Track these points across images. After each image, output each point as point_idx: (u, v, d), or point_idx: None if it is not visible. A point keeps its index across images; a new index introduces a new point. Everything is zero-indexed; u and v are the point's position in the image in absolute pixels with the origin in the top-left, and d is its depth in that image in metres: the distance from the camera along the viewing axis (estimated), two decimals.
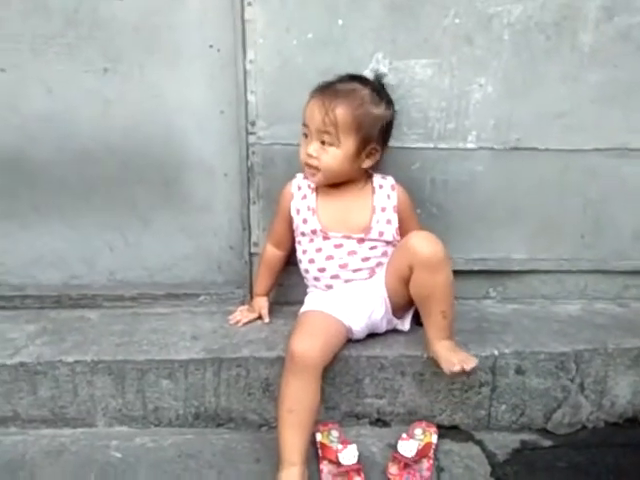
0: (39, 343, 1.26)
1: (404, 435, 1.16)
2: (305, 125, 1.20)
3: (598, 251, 1.43)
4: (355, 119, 1.16)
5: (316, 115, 1.16)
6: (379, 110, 1.19)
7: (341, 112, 1.15)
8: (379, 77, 1.25)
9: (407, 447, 1.11)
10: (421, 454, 1.13)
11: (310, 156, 1.19)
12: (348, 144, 1.18)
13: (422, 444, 1.15)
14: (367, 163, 1.23)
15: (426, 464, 1.12)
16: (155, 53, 1.32)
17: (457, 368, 1.09)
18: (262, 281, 1.36)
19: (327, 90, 1.18)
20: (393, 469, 1.11)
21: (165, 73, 1.33)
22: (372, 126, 1.18)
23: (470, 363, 1.09)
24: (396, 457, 1.12)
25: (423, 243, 1.12)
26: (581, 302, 1.45)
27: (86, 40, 1.30)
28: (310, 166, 1.21)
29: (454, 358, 1.11)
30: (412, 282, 1.15)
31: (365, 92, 1.18)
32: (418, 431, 1.20)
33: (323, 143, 1.18)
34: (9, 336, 1.29)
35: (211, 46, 1.32)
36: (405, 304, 1.23)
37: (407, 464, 1.10)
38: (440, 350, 1.14)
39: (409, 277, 1.15)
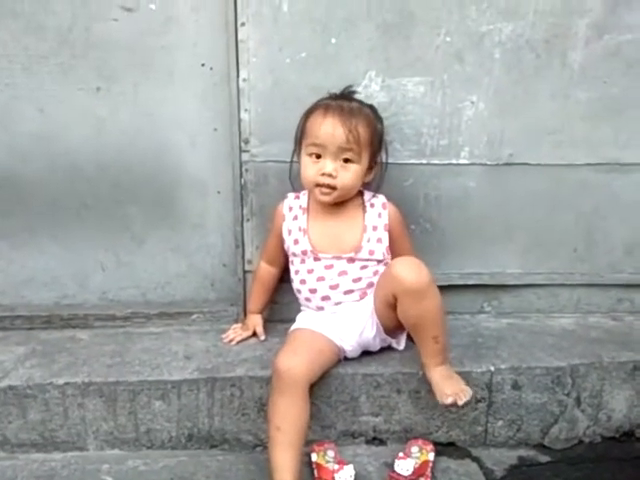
0: (28, 365, 1.24)
1: (401, 454, 1.15)
2: (317, 145, 1.17)
3: (591, 265, 1.43)
4: (370, 135, 1.18)
5: (338, 133, 1.15)
6: (380, 126, 1.22)
7: (362, 129, 1.16)
8: (352, 93, 1.25)
9: (404, 466, 1.10)
10: (418, 473, 1.12)
11: (329, 176, 1.18)
12: (364, 159, 1.19)
13: (419, 462, 1.14)
14: (369, 177, 1.24)
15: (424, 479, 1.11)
16: (148, 72, 1.32)
17: (450, 400, 1.08)
18: (256, 298, 1.35)
19: (338, 109, 1.17)
20: None
21: (158, 91, 1.33)
22: (378, 141, 1.22)
23: (463, 397, 1.08)
24: (392, 476, 1.10)
25: (406, 271, 1.09)
26: (575, 316, 1.46)
27: (80, 59, 1.30)
28: (326, 186, 1.19)
29: (448, 389, 1.10)
30: (399, 310, 1.13)
31: (367, 110, 1.21)
32: (415, 449, 1.19)
33: (345, 161, 1.18)
34: None
35: (204, 65, 1.32)
36: (397, 326, 1.22)
37: None
38: (434, 377, 1.13)
39: (395, 304, 1.14)
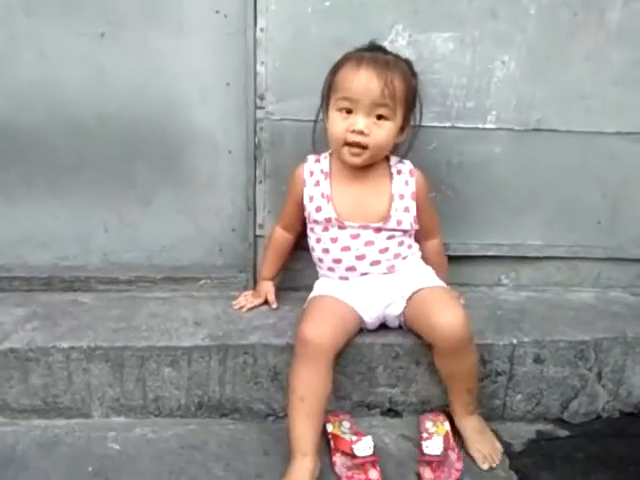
0: (30, 328, 1.18)
1: (424, 434, 1.10)
2: (348, 99, 1.08)
3: (614, 238, 1.39)
4: (406, 91, 1.10)
5: (373, 87, 1.06)
6: (414, 82, 1.14)
7: (398, 83, 1.08)
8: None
9: (433, 445, 1.05)
10: (445, 447, 1.07)
11: (361, 133, 1.09)
12: (399, 116, 1.11)
13: (442, 437, 1.10)
14: (400, 138, 1.16)
15: (454, 455, 1.07)
16: (157, 18, 1.23)
17: (485, 466, 1.08)
18: (269, 265, 1.29)
19: (373, 60, 1.08)
20: (427, 474, 1.04)
21: (167, 40, 1.24)
22: (412, 98, 1.14)
23: (497, 459, 1.09)
24: (424, 460, 1.05)
25: (451, 327, 1.04)
26: (595, 290, 1.42)
27: (83, 1, 1.19)
28: (356, 145, 1.10)
29: (484, 449, 1.10)
30: (436, 358, 1.12)
31: (403, 64, 1.12)
32: (429, 424, 1.15)
33: (378, 118, 1.09)
34: None
35: (217, 12, 1.23)
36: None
37: (439, 463, 1.04)
38: (467, 429, 1.12)
39: (429, 344, 1.11)
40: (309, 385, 1.02)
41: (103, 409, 1.16)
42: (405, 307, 1.15)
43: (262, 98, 1.24)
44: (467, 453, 1.10)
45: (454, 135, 1.29)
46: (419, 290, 1.14)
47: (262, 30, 1.20)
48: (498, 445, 1.12)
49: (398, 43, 1.21)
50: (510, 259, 1.40)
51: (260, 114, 1.25)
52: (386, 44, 1.20)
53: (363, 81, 1.07)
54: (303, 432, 1.01)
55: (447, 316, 1.06)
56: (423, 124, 1.25)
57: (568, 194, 1.36)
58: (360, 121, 1.09)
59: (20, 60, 1.23)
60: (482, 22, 1.21)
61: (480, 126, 1.28)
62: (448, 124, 1.28)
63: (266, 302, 1.29)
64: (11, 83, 1.24)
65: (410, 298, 1.14)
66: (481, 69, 1.24)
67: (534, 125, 1.29)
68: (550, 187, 1.35)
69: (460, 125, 1.28)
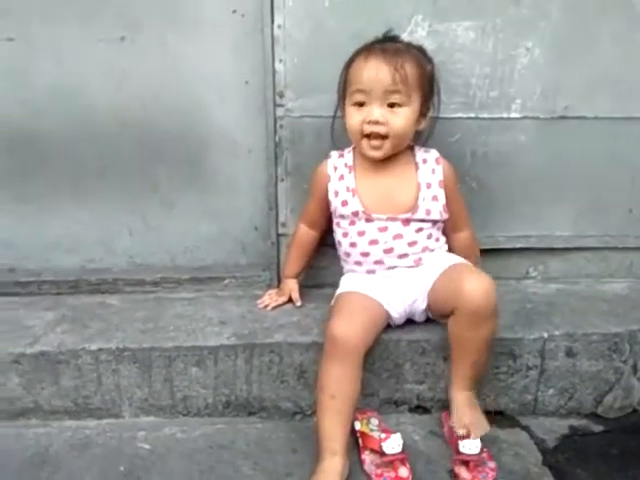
0: (59, 331, 1.19)
1: (461, 432, 1.06)
2: (361, 91, 1.08)
3: None
4: (419, 75, 1.09)
5: (383, 75, 1.06)
6: (430, 67, 1.13)
7: (409, 68, 1.07)
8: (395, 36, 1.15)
9: (472, 444, 1.02)
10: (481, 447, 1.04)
11: (377, 123, 1.08)
12: (415, 102, 1.09)
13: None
14: (422, 124, 1.14)
15: (485, 454, 1.05)
16: (175, 20, 1.23)
17: (461, 432, 1.04)
18: (293, 263, 1.29)
19: (381, 50, 1.08)
20: (464, 473, 1.02)
21: (185, 42, 1.25)
22: (428, 83, 1.12)
23: (478, 431, 1.04)
24: (461, 460, 1.02)
25: (479, 292, 1.01)
26: (627, 281, 1.39)
27: (101, 5, 1.21)
28: (376, 136, 1.09)
29: (466, 417, 1.06)
30: (453, 324, 1.07)
31: (415, 50, 1.11)
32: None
33: (391, 106, 1.08)
34: (27, 324, 1.22)
35: (235, 11, 1.23)
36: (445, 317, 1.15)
37: (476, 462, 1.02)
38: (458, 402, 1.09)
39: (449, 313, 1.07)
40: (339, 383, 1.01)
41: (132, 409, 1.17)
42: (430, 288, 1.13)
43: (281, 96, 1.24)
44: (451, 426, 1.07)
45: (478, 125, 1.26)
46: (444, 270, 1.12)
47: (280, 27, 1.19)
48: (485, 424, 1.07)
49: (418, 34, 1.20)
50: (538, 251, 1.37)
51: (280, 112, 1.25)
52: (405, 35, 1.18)
53: (373, 70, 1.07)
54: (332, 431, 1.00)
55: (475, 282, 1.03)
56: (446, 115, 1.25)
57: (597, 182, 1.32)
58: (375, 111, 1.08)
59: (40, 68, 1.25)
60: (503, 9, 1.19)
61: (505, 115, 1.26)
62: (472, 114, 1.26)
63: (290, 300, 1.29)
64: (32, 91, 1.26)
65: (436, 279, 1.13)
66: (504, 57, 1.22)
67: (560, 113, 1.26)
68: (578, 176, 1.31)
69: (484, 115, 1.26)
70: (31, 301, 1.32)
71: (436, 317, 1.16)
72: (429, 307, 1.15)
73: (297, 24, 1.19)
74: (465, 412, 1.08)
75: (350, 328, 1.03)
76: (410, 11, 1.19)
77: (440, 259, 1.17)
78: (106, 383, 1.15)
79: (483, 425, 1.07)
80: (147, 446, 1.11)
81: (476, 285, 1.02)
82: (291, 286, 1.29)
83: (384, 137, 1.09)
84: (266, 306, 1.28)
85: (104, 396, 1.16)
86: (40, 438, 1.13)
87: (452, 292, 1.06)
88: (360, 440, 1.09)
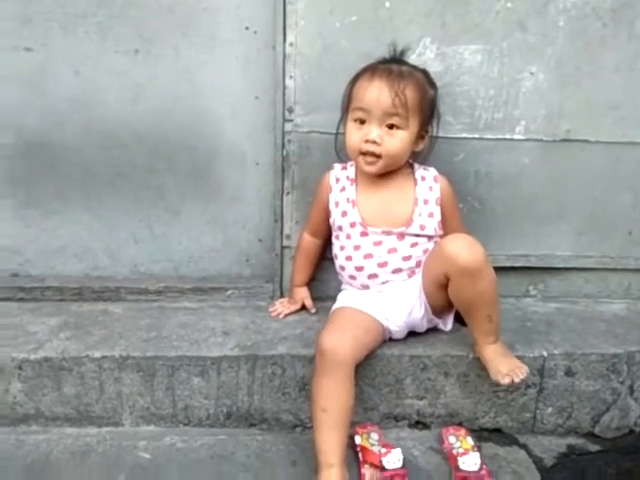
0: (63, 337, 1.20)
1: (460, 449, 1.08)
2: (362, 109, 1.12)
3: None
4: (420, 99, 1.11)
5: (384, 98, 1.09)
6: (432, 92, 1.16)
7: (410, 93, 1.10)
8: (402, 55, 1.19)
9: (470, 461, 1.03)
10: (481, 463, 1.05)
11: (373, 142, 1.12)
12: (413, 126, 1.12)
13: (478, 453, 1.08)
14: (419, 147, 1.18)
15: (484, 472, 1.05)
16: (189, 35, 1.26)
17: (506, 380, 1.05)
18: (301, 271, 1.31)
19: (387, 72, 1.11)
20: None
21: (198, 56, 1.27)
22: (428, 107, 1.15)
23: (520, 374, 1.05)
24: (461, 476, 1.04)
25: (461, 249, 1.04)
26: (625, 302, 1.40)
27: (118, 20, 1.24)
28: (370, 154, 1.13)
29: (504, 367, 1.06)
30: (451, 289, 1.09)
31: (419, 74, 1.14)
32: (452, 439, 1.13)
33: (390, 127, 1.11)
34: (31, 329, 1.22)
35: (247, 28, 1.26)
36: (445, 306, 1.17)
37: (476, 479, 1.03)
38: (488, 354, 1.10)
39: (447, 283, 1.09)
40: (330, 396, 1.02)
41: (133, 418, 1.17)
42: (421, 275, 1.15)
43: (291, 111, 1.26)
44: (493, 379, 1.07)
45: (482, 146, 1.29)
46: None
47: (291, 45, 1.22)
48: (524, 366, 1.07)
49: (426, 56, 1.22)
50: (538, 270, 1.39)
51: (288, 127, 1.27)
52: (414, 57, 1.21)
53: (375, 92, 1.10)
54: (327, 444, 1.00)
55: (454, 240, 1.07)
56: (452, 135, 1.27)
57: (598, 205, 1.34)
58: (373, 131, 1.11)
59: (57, 78, 1.27)
60: (510, 34, 1.22)
61: (508, 137, 1.28)
62: (476, 135, 1.28)
63: (303, 308, 1.31)
64: (49, 100, 1.28)
65: None
66: (509, 80, 1.25)
67: (563, 135, 1.29)
68: (580, 198, 1.34)
69: (488, 136, 1.28)
70: (35, 307, 1.33)
71: (436, 312, 1.17)
72: (427, 299, 1.16)
73: (308, 42, 1.22)
74: (501, 361, 1.08)
75: (339, 341, 1.04)
76: (419, 34, 1.22)
77: None
78: (108, 391, 1.15)
79: (523, 368, 1.07)
80: (147, 455, 1.11)
81: (457, 243, 1.05)
82: (303, 294, 1.31)
83: (378, 156, 1.13)
84: (278, 314, 1.29)
85: (105, 404, 1.16)
86: (40, 445, 1.12)
87: (438, 261, 1.09)
88: (360, 454, 1.09)
